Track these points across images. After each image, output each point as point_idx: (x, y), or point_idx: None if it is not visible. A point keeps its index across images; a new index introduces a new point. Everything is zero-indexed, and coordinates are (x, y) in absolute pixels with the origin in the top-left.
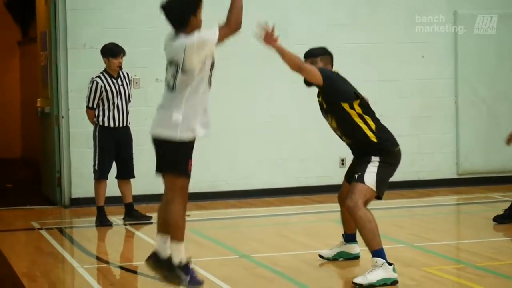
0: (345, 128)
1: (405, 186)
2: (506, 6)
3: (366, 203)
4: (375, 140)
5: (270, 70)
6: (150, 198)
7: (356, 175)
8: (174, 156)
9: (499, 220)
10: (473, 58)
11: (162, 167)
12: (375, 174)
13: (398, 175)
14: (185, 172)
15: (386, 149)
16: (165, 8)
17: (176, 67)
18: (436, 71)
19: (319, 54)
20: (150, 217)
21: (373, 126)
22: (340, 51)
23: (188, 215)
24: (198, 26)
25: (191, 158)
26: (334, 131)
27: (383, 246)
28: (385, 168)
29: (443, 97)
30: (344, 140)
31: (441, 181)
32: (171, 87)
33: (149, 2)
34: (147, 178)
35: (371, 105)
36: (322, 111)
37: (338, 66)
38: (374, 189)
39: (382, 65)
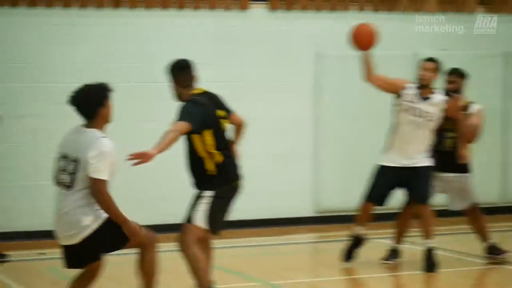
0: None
1: (263, 224)
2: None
3: (197, 241)
4: (214, 173)
5: None
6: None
7: (188, 215)
8: (98, 245)
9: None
10: (334, 96)
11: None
12: (206, 212)
13: (256, 213)
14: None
15: (221, 182)
16: (73, 101)
17: (76, 164)
18: (298, 110)
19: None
20: (6, 255)
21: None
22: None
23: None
24: (107, 115)
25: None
26: None
27: (240, 284)
28: (217, 203)
29: (302, 136)
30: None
31: (299, 219)
32: (67, 185)
33: None
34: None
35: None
36: None
37: None
38: (206, 227)
39: (247, 103)
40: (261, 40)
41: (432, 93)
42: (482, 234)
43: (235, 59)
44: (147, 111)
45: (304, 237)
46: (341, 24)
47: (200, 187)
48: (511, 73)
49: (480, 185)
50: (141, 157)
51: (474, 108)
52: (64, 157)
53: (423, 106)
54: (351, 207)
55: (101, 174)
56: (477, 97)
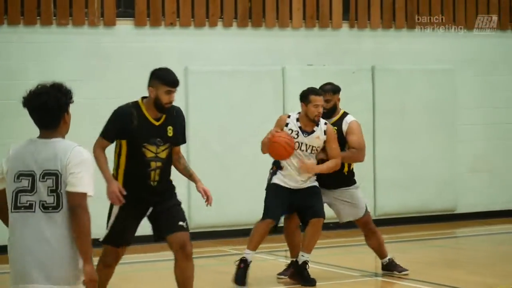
0: None
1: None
2: (235, 63)
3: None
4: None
5: None
6: None
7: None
8: None
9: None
10: (202, 111)
11: None
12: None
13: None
14: None
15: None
16: (41, 105)
17: (56, 178)
18: None
19: None
20: None
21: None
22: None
23: None
24: (69, 123)
25: None
26: None
27: None
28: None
29: None
30: None
31: None
32: (50, 206)
33: None
34: None
35: None
36: None
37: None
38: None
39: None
40: (130, 56)
41: (317, 124)
42: (380, 251)
43: (106, 75)
44: (9, 128)
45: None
46: (208, 40)
47: None
48: (378, 87)
49: None
50: None
51: (348, 120)
52: (26, 175)
53: (309, 140)
54: (224, 223)
55: (85, 187)
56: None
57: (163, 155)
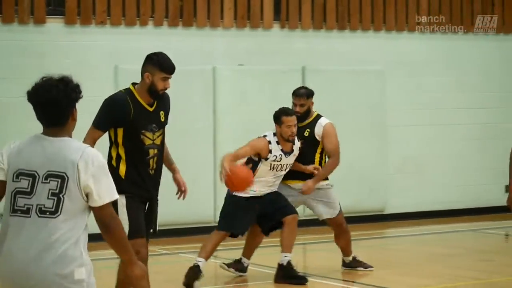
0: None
1: None
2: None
3: None
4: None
5: None
6: None
7: None
8: None
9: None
10: None
11: None
12: None
13: None
14: None
15: None
16: (50, 99)
17: (61, 182)
18: None
19: None
20: None
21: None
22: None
23: None
24: (75, 122)
25: None
26: None
27: None
28: None
29: (107, 149)
30: None
31: None
32: (48, 211)
33: None
34: None
35: None
36: None
37: None
38: None
39: None
40: (60, 54)
41: (293, 143)
42: (347, 250)
43: (36, 74)
44: None
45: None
46: (138, 38)
47: None
48: (309, 86)
49: None
50: None
51: (322, 123)
52: (27, 175)
53: (289, 160)
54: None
55: (110, 195)
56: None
57: (158, 141)
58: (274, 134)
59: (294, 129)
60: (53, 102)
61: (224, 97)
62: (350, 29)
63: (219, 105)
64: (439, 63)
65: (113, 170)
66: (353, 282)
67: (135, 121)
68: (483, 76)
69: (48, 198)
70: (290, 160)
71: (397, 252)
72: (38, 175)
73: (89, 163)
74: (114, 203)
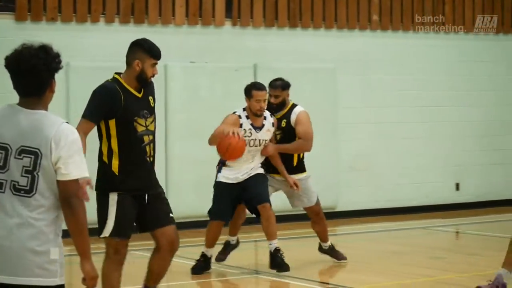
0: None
1: None
2: (117, 59)
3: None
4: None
5: None
6: None
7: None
8: None
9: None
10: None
11: None
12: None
13: None
14: None
15: None
16: (27, 69)
17: (35, 158)
18: None
19: None
20: None
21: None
22: None
23: None
24: (53, 94)
25: None
26: None
27: None
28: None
29: None
30: None
31: None
32: (22, 189)
33: None
34: None
35: None
36: None
37: None
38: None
39: None
40: (10, 50)
41: (264, 118)
42: (324, 235)
43: None
44: None
45: None
46: (90, 35)
47: None
48: None
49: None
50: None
51: (297, 111)
52: (2, 148)
53: (261, 135)
54: None
55: (79, 171)
56: (229, 109)
57: (152, 127)
58: (244, 109)
59: (263, 104)
60: (33, 71)
61: (176, 95)
62: (302, 27)
63: (170, 102)
64: (389, 61)
65: (106, 167)
66: (302, 279)
67: (127, 109)
68: (433, 74)
69: (22, 175)
70: (263, 135)
71: (348, 250)
72: (11, 149)
73: (62, 138)
74: (106, 201)
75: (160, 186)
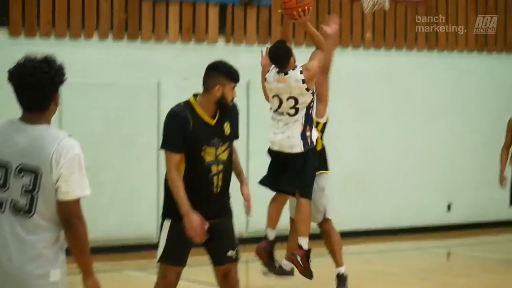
0: None
1: None
2: (111, 75)
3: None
4: None
5: None
6: None
7: None
8: None
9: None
10: (79, 124)
11: None
12: None
13: None
14: None
15: None
16: (31, 83)
17: (34, 176)
18: None
19: None
20: None
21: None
22: None
23: None
24: (56, 108)
25: None
26: None
27: None
28: None
29: None
30: None
31: None
32: (21, 209)
33: None
34: None
35: None
36: None
37: None
38: None
39: None
40: (4, 65)
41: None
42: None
43: None
44: None
45: None
46: (83, 51)
47: None
48: (253, 101)
49: None
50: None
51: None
52: (1, 166)
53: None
54: (95, 238)
55: (78, 191)
56: None
57: (223, 156)
58: None
59: None
60: (37, 85)
61: None
62: (295, 44)
63: (163, 119)
64: (382, 79)
65: (169, 192)
66: None
67: (196, 137)
68: (426, 93)
69: (21, 195)
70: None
71: None
72: (11, 166)
73: (62, 155)
74: (162, 226)
75: (229, 216)
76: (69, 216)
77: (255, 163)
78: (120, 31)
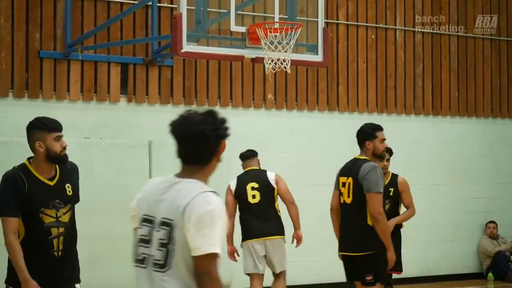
0: None
1: None
2: (13, 134)
3: None
4: None
5: None
6: None
7: None
8: None
9: None
10: None
11: None
12: None
13: None
14: None
15: None
16: (195, 134)
17: (168, 230)
18: None
19: None
20: None
21: None
22: None
23: None
24: (217, 163)
25: None
26: None
27: None
28: None
29: None
30: None
31: None
32: (158, 263)
33: None
34: None
35: None
36: None
37: None
38: None
39: None
40: None
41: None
42: None
43: None
44: None
45: None
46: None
47: None
48: (155, 160)
49: None
50: None
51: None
52: (148, 221)
53: None
54: None
55: (209, 246)
56: (123, 186)
57: (65, 218)
58: None
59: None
60: (201, 136)
61: None
62: (197, 105)
63: None
64: (284, 139)
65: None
66: None
67: (31, 198)
68: (327, 153)
69: (157, 249)
70: None
71: None
72: (155, 221)
73: (195, 208)
74: None
75: (76, 281)
76: (199, 273)
77: None
78: (21, 90)
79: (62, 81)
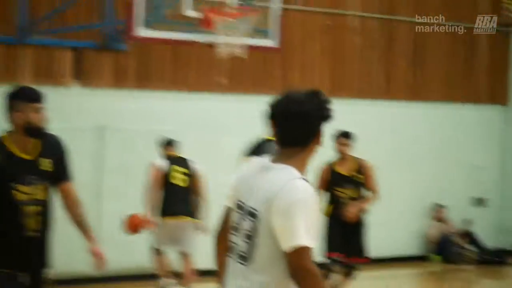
0: None
1: None
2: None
3: None
4: None
5: None
6: None
7: None
8: None
9: None
10: None
11: None
12: None
13: None
14: None
15: None
16: (297, 113)
17: (253, 221)
18: None
19: None
20: None
21: None
22: None
23: None
24: (316, 147)
25: None
26: None
27: None
28: None
29: None
30: None
31: None
32: (242, 255)
33: None
34: None
35: None
36: None
37: None
38: None
39: None
40: None
41: None
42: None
43: None
44: None
45: None
46: None
47: None
48: (102, 146)
49: None
50: None
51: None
52: (240, 207)
53: None
54: None
55: (298, 239)
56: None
57: (41, 195)
58: None
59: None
60: (304, 116)
61: None
62: (151, 89)
63: None
64: (238, 124)
65: None
66: None
67: (2, 172)
68: None
69: (243, 240)
70: None
71: None
72: (245, 209)
73: (284, 197)
74: None
75: (45, 269)
76: (294, 268)
77: (108, 205)
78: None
79: (14, 66)
